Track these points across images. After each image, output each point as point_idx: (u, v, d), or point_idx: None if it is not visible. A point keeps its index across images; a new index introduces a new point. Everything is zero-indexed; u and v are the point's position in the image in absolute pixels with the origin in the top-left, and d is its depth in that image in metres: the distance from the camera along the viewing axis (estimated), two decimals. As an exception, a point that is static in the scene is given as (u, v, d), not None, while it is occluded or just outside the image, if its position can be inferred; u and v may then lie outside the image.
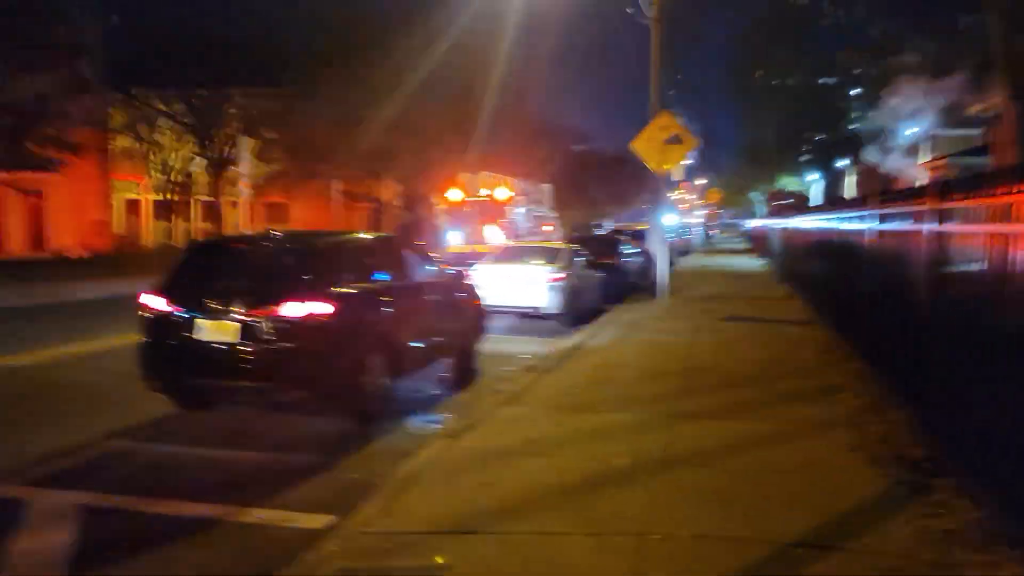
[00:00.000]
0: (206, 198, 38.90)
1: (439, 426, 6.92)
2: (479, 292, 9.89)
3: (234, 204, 34.27)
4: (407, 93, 31.35)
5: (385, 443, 6.45)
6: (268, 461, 5.96)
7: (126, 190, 36.80)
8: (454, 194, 25.35)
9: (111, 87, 29.06)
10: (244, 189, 24.55)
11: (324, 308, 6.36)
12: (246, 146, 25.02)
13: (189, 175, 39.33)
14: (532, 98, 49.34)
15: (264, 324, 6.27)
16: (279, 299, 6.31)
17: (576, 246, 15.14)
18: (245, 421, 7.00)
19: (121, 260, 26.60)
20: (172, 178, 37.51)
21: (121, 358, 8.90)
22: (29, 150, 17.39)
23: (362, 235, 8.60)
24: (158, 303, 6.52)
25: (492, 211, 26.15)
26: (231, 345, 6.30)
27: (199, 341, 6.35)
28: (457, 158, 39.70)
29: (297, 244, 7.18)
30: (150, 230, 36.08)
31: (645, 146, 15.42)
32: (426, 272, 8.56)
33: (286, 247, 7.04)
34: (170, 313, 6.47)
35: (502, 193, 24.87)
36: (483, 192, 25.50)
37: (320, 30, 28.40)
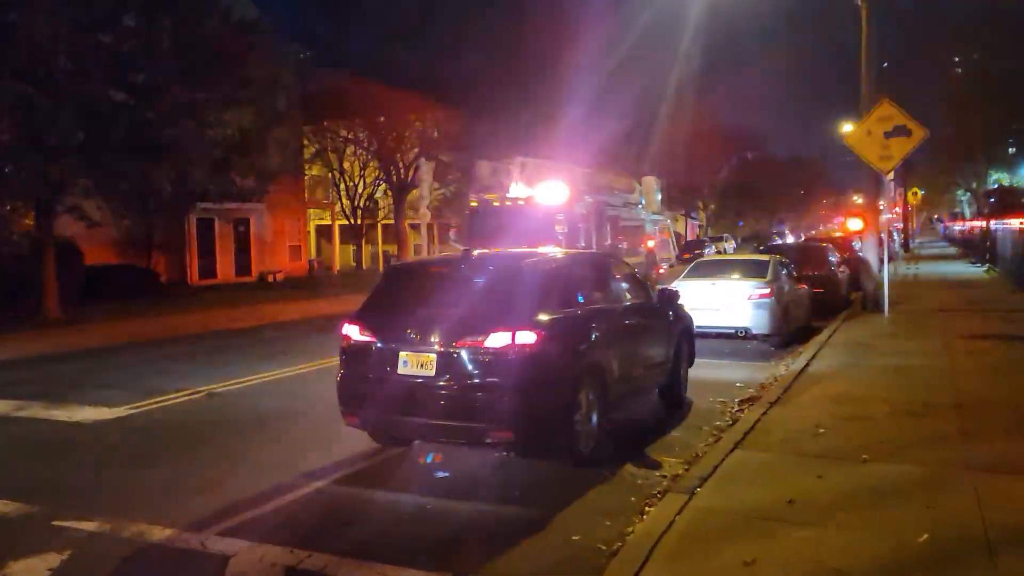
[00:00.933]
0: (388, 221, 40.73)
1: (661, 474, 5.94)
2: (688, 312, 8.80)
3: (414, 227, 35.36)
4: (581, 106, 30.87)
5: (602, 493, 5.57)
6: (477, 514, 5.27)
7: (318, 217, 39.32)
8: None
9: (304, 119, 31.11)
10: (425, 211, 24.97)
11: (531, 338, 5.61)
12: (428, 169, 25.52)
13: (374, 200, 41.42)
14: (707, 104, 47.12)
15: (465, 356, 5.64)
16: (481, 328, 5.65)
17: (779, 257, 13.53)
18: (449, 462, 6.41)
19: (315, 283, 28.15)
20: (358, 203, 39.64)
21: (317, 384, 9.39)
22: (235, 182, 18.52)
23: (566, 253, 7.83)
24: (358, 333, 6.10)
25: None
26: (430, 379, 5.73)
27: (399, 375, 5.83)
28: (631, 168, 38.71)
29: (500, 266, 6.52)
30: (338, 254, 38.14)
31: (862, 140, 13.55)
32: (633, 290, 7.63)
33: (488, 269, 6.40)
34: (369, 344, 6.02)
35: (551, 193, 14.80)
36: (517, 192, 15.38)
37: (494, 51, 28.60)
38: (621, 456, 6.36)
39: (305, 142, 33.69)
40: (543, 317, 5.83)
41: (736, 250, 53.00)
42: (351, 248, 41.71)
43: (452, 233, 17.90)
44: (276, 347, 13.38)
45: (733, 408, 8.09)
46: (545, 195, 14.76)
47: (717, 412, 8.00)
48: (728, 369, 10.48)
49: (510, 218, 14.57)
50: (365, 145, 32.87)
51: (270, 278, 28.50)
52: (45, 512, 5.24)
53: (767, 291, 11.85)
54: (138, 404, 8.61)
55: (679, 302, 8.33)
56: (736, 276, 12.27)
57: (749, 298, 11.76)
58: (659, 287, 8.75)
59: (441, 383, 5.70)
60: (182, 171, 16.63)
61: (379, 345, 5.98)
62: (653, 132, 38.93)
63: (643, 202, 21.09)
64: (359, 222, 39.73)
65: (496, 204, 15.28)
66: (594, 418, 6.24)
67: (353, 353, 6.15)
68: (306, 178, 34.88)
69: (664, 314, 8.05)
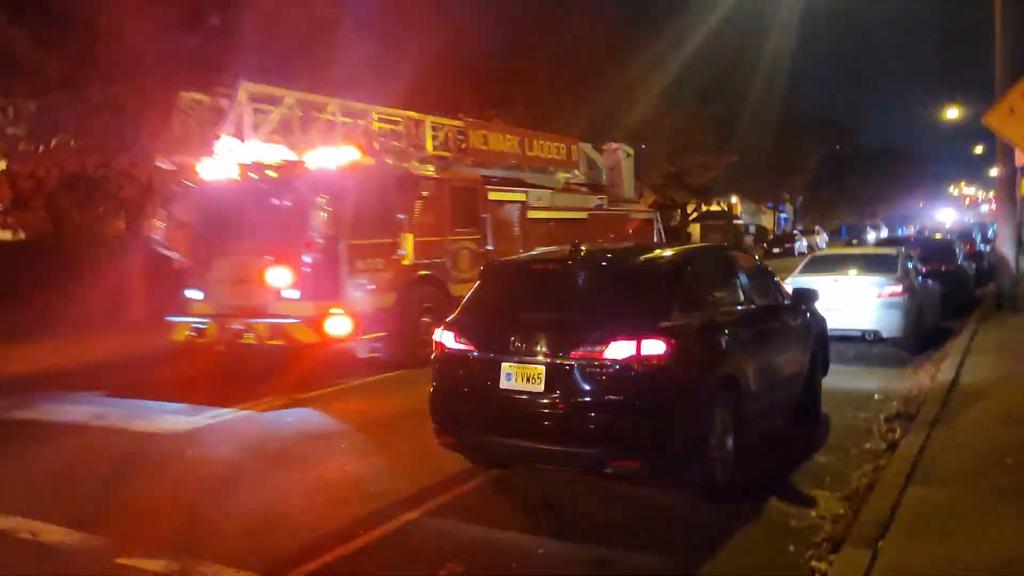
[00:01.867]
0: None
1: (817, 514, 4.90)
2: (821, 314, 7.65)
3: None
4: (654, 98, 29.56)
5: (750, 539, 4.58)
6: (604, 561, 4.37)
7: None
8: None
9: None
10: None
11: (659, 347, 4.68)
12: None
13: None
14: (793, 93, 44.66)
15: (580, 369, 4.76)
16: (598, 336, 4.76)
17: (905, 250, 12.07)
18: (553, 489, 5.53)
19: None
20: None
21: (411, 391, 8.17)
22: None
23: (690, 247, 6.83)
24: (453, 340, 5.30)
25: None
26: (538, 395, 4.87)
27: (502, 390, 5.00)
28: (713, 161, 36.99)
29: (618, 262, 5.59)
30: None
31: (1005, 119, 11.86)
32: (765, 288, 6.57)
33: (604, 266, 5.49)
34: (467, 353, 5.22)
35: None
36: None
37: (553, 53, 27.68)
38: (761, 487, 5.35)
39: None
40: (672, 322, 4.89)
41: (827, 244, 50.13)
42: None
43: (156, 234, 10.46)
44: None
45: (880, 426, 6.93)
46: (317, 159, 9.33)
47: (862, 431, 6.86)
48: (859, 378, 9.22)
49: (242, 202, 9.44)
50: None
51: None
52: (108, 546, 4.65)
53: (899, 289, 10.48)
54: (217, 412, 8.10)
55: (814, 301, 7.18)
56: (861, 272, 10.93)
57: (878, 296, 10.42)
58: (794, 284, 7.60)
59: (551, 400, 4.84)
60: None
61: (478, 355, 5.17)
62: (737, 117, 36.99)
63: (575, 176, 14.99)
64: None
65: (215, 179, 9.67)
66: (729, 441, 5.25)
67: (448, 363, 5.36)
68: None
69: (799, 315, 6.95)
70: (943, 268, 13.75)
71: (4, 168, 14.63)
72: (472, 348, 5.20)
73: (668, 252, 5.79)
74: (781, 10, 32.55)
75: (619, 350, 4.68)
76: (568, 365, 4.81)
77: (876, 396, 8.20)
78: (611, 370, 4.71)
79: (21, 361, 11.67)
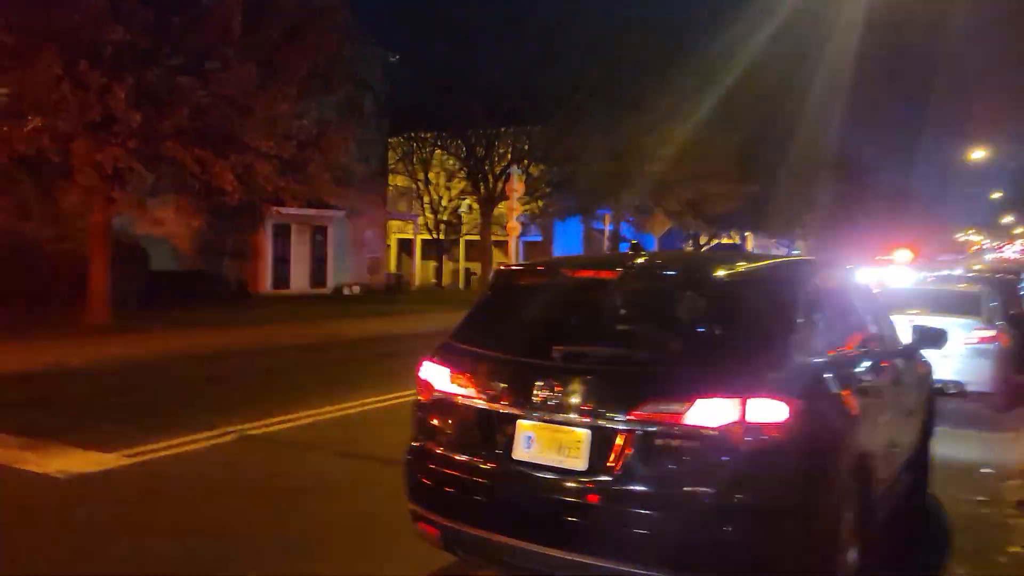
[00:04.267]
0: (472, 237, 38.68)
1: None
2: (925, 359, 5.84)
3: (497, 244, 33.16)
4: (685, 119, 28.09)
5: None
6: None
7: (399, 230, 37.61)
8: None
9: (389, 126, 29.43)
10: (515, 224, 22.56)
11: (778, 411, 2.90)
12: (517, 182, 23.13)
13: (458, 215, 39.49)
14: (815, 128, 43.22)
15: (645, 439, 2.99)
16: (678, 389, 3.00)
17: (987, 287, 10.29)
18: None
19: (394, 298, 26.12)
20: (441, 217, 37.76)
21: (387, 430, 6.24)
22: (309, 183, 16.49)
23: (794, 259, 5.00)
24: (447, 381, 3.52)
25: None
26: (577, 477, 3.10)
27: (517, 461, 3.22)
28: (741, 190, 35.31)
29: (702, 276, 3.66)
30: (418, 269, 36.25)
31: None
32: (881, 324, 4.75)
33: (681, 281, 3.61)
34: (466, 403, 3.43)
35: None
36: None
37: (591, 61, 26.35)
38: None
39: (389, 151, 32.06)
40: (792, 372, 3.10)
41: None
42: (431, 264, 39.84)
43: None
44: (341, 372, 11.06)
45: (1015, 516, 5.15)
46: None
47: (992, 524, 5.07)
48: (951, 443, 7.40)
49: None
50: (454, 152, 30.93)
51: (346, 291, 26.64)
52: None
53: (991, 334, 8.70)
54: (141, 449, 6.29)
55: (941, 345, 5.33)
56: (942, 312, 9.13)
57: (966, 343, 8.63)
58: (912, 322, 5.76)
59: (597, 485, 3.07)
60: (248, 166, 14.67)
61: (482, 405, 3.39)
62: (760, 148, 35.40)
63: None
64: (441, 237, 37.85)
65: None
66: (852, 556, 3.45)
67: (435, 413, 3.58)
68: (389, 188, 33.15)
69: (920, 363, 5.17)
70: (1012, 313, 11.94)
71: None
72: (475, 394, 3.41)
73: (771, 263, 3.99)
74: (810, 43, 31.06)
75: (710, 413, 2.91)
76: (625, 431, 3.03)
77: (984, 470, 6.43)
78: (696, 444, 2.94)
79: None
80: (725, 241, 51.86)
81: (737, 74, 28.19)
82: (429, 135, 32.68)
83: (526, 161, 28.07)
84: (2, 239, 15.64)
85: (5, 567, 4.15)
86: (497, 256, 34.56)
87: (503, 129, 28.94)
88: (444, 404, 3.52)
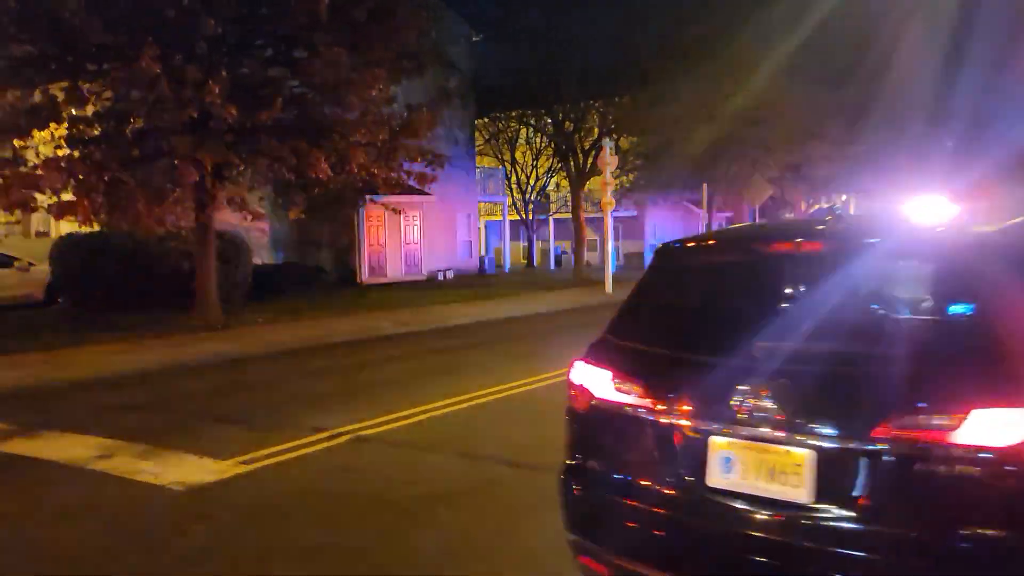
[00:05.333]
0: (562, 216, 37.94)
1: None
2: None
3: (588, 221, 32.34)
4: (784, 78, 26.31)
5: None
6: None
7: (486, 211, 37.30)
8: None
9: (475, 107, 28.98)
10: (610, 199, 21.70)
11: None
12: (608, 156, 22.21)
13: (546, 193, 38.82)
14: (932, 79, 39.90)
15: (896, 464, 2.29)
16: (939, 396, 2.26)
17: None
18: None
19: (488, 281, 25.78)
20: (529, 197, 37.20)
21: (505, 421, 5.71)
22: (402, 168, 16.17)
23: None
24: (611, 388, 2.89)
25: None
26: (799, 512, 2.42)
27: (715, 491, 2.57)
28: (845, 151, 33.06)
29: (928, 248, 2.81)
30: (508, 250, 35.85)
31: None
32: None
33: (901, 255, 2.78)
34: (638, 412, 2.79)
35: None
36: None
37: (682, 23, 24.96)
38: None
39: (476, 132, 31.66)
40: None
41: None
42: (520, 245, 39.42)
43: None
44: (447, 362, 10.65)
45: None
46: None
47: None
48: None
49: None
50: (542, 129, 30.24)
51: (440, 276, 26.49)
52: None
53: None
54: (255, 455, 6.00)
55: None
56: None
57: None
58: None
59: (829, 523, 2.37)
60: (344, 155, 14.46)
61: (662, 420, 2.73)
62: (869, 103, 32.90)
63: None
64: (530, 216, 37.33)
65: None
66: None
67: (597, 427, 2.96)
68: (477, 170, 32.82)
69: None
70: None
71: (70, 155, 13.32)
72: (649, 403, 2.76)
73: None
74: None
75: (993, 428, 2.16)
76: (865, 453, 2.32)
77: None
78: (972, 469, 2.19)
79: (50, 365, 10.09)
80: (824, 206, 49.05)
81: (839, 27, 26.19)
82: (515, 113, 32.11)
83: (614, 135, 27.08)
84: (111, 241, 16.07)
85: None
86: (586, 234, 33.72)
87: (592, 102, 28.02)
88: (608, 415, 2.89)
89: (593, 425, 2.96)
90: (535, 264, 37.59)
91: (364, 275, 24.55)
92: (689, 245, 3.30)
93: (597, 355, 3.01)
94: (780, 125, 28.29)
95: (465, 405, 7.65)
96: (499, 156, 35.66)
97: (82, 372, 9.95)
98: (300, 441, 6.39)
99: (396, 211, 23.61)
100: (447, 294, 20.60)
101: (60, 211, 14.09)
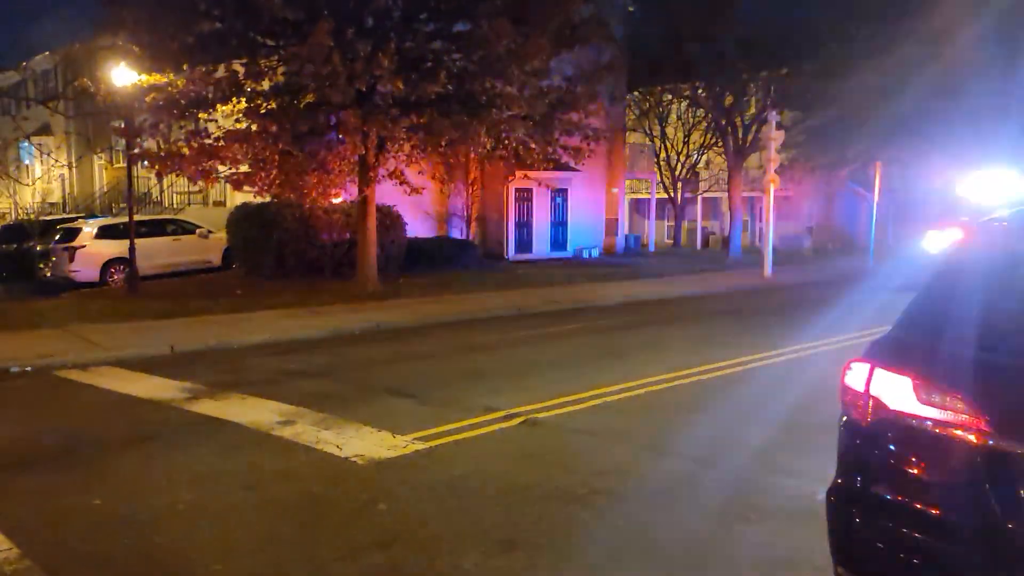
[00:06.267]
0: (713, 195, 36.32)
1: None
2: None
3: (744, 199, 30.68)
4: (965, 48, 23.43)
5: None
6: None
7: (631, 190, 36.33)
8: None
9: (627, 81, 28.06)
10: (774, 176, 20.30)
11: None
12: (775, 130, 20.74)
13: (695, 171, 37.26)
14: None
15: None
16: None
17: None
18: None
19: (633, 261, 25.09)
20: (679, 174, 35.81)
21: (688, 407, 5.11)
22: (561, 145, 15.81)
23: None
24: (912, 397, 2.36)
25: None
26: None
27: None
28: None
29: None
30: (652, 230, 34.76)
31: None
32: None
33: None
34: (955, 433, 2.24)
35: None
36: None
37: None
38: None
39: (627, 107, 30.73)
40: None
41: None
42: (665, 224, 38.15)
43: None
44: (614, 342, 10.23)
45: None
46: None
47: None
48: None
49: None
50: (699, 103, 28.88)
51: (585, 254, 26.06)
52: None
53: None
54: (429, 432, 5.88)
55: None
56: None
57: None
58: None
59: None
60: (504, 129, 14.30)
61: (992, 444, 2.17)
62: None
63: None
64: (678, 195, 35.99)
65: None
66: None
67: (891, 445, 2.43)
68: (625, 147, 31.91)
69: None
70: None
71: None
72: (978, 422, 2.20)
73: None
74: None
75: None
76: None
77: None
78: None
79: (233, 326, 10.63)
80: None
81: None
82: (668, 87, 30.88)
83: (778, 109, 25.32)
84: (281, 211, 16.87)
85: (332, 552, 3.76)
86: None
87: (756, 73, 26.36)
88: (908, 432, 2.36)
89: (884, 443, 2.44)
90: (680, 244, 36.27)
91: (510, 251, 24.56)
92: (1010, 226, 2.66)
93: (888, 357, 2.48)
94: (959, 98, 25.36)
95: (641, 391, 7.21)
96: (649, 132, 34.54)
97: (258, 336, 10.42)
98: (473, 420, 6.23)
99: (548, 186, 23.34)
100: (595, 272, 20.15)
101: (237, 182, 14.90)
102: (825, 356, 8.61)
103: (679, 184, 36.15)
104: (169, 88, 13.91)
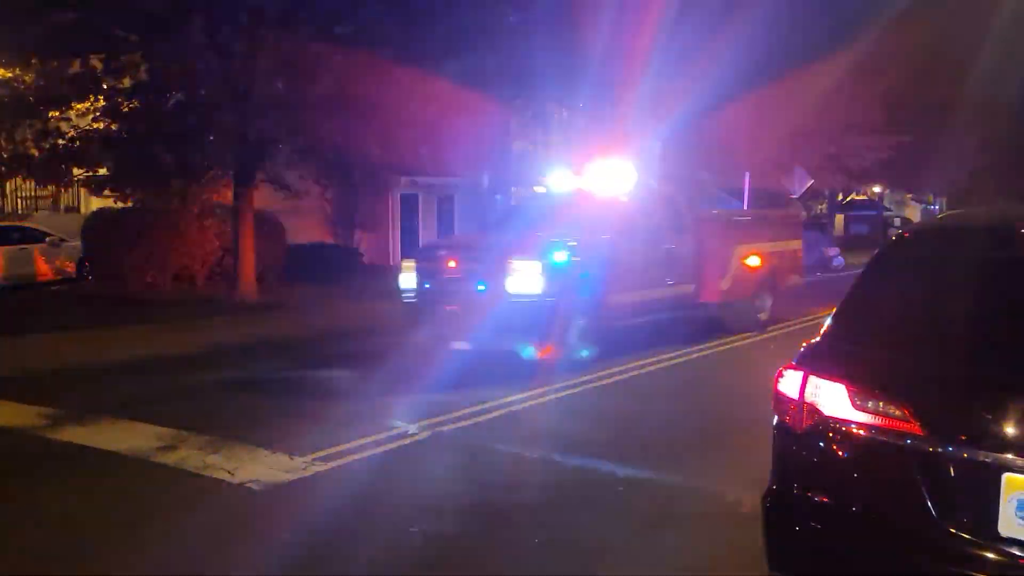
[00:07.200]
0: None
1: None
2: None
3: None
4: (828, 65, 25.48)
5: None
6: None
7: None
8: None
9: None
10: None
11: None
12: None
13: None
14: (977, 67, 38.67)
15: None
16: None
17: None
18: None
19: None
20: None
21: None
22: (448, 149, 15.70)
23: None
24: (847, 402, 2.39)
25: None
26: None
27: (1005, 541, 2.07)
28: (888, 141, 32.10)
29: None
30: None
31: None
32: None
33: None
34: (889, 439, 2.29)
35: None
36: None
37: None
38: None
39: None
40: None
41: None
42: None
43: None
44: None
45: None
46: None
47: None
48: None
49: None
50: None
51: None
52: None
53: None
54: (328, 452, 5.55)
55: None
56: None
57: None
58: None
59: None
60: (391, 134, 13.98)
61: (929, 448, 2.23)
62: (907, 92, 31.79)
63: None
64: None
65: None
66: None
67: (830, 453, 2.45)
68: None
69: None
70: None
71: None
72: (914, 427, 2.25)
73: None
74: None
75: None
76: None
77: None
78: None
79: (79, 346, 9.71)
80: (859, 198, 47.63)
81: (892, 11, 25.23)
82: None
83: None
84: (146, 218, 15.69)
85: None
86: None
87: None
88: (843, 438, 2.40)
89: (819, 449, 2.46)
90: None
91: (396, 259, 24.12)
92: (946, 229, 2.77)
93: (821, 363, 2.51)
94: (820, 114, 27.45)
95: (532, 403, 7.18)
96: (532, 141, 35.09)
97: (124, 353, 9.57)
98: (373, 438, 5.93)
99: (431, 194, 23.10)
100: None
101: (97, 187, 13.74)
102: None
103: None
104: (14, 83, 12.64)
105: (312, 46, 13.50)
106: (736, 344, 10.22)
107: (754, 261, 10.67)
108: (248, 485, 4.92)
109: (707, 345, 9.96)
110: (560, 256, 8.19)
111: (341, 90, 13.53)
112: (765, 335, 10.80)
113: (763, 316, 11.17)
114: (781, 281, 11.56)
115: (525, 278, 7.97)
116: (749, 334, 10.64)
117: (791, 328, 11.27)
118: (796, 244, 12.17)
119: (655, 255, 9.29)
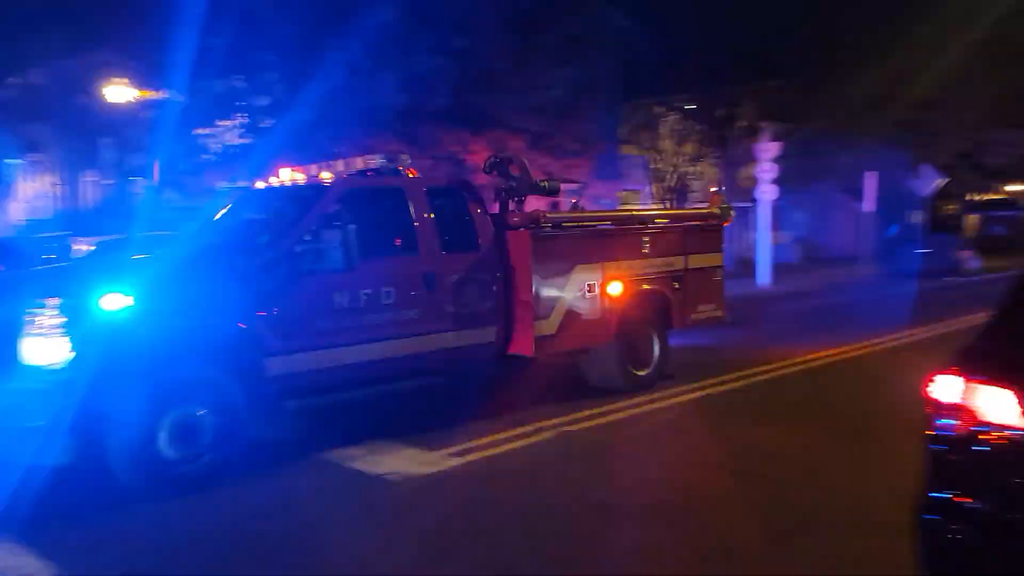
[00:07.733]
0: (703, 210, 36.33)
1: None
2: None
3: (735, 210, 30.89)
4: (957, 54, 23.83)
5: None
6: None
7: (625, 202, 36.46)
8: None
9: (622, 93, 28.30)
10: (768, 189, 20.48)
11: None
12: (767, 142, 20.98)
13: (685, 184, 37.47)
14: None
15: None
16: None
17: None
18: None
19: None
20: (670, 185, 36.02)
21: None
22: (550, 156, 15.91)
23: None
24: (1013, 409, 2.37)
25: None
26: None
27: None
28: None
29: None
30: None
31: None
32: None
33: None
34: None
35: None
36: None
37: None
38: None
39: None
40: None
41: None
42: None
43: None
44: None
45: None
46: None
47: None
48: None
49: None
50: (692, 115, 29.24)
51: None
52: None
53: None
54: (462, 447, 5.84)
55: None
56: None
57: None
58: None
59: None
60: (503, 142, 14.36)
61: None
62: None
63: None
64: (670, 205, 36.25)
65: None
66: None
67: (990, 459, 2.44)
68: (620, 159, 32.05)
69: None
70: None
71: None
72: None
73: None
74: None
75: None
76: None
77: None
78: None
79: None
80: (994, 196, 44.28)
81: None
82: (661, 99, 31.18)
83: (769, 121, 25.64)
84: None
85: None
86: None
87: (748, 86, 26.86)
88: (1012, 447, 2.37)
89: (984, 457, 2.44)
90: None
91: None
92: None
93: (982, 368, 2.49)
94: (950, 109, 25.78)
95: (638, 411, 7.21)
96: (640, 143, 34.80)
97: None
98: (505, 434, 6.16)
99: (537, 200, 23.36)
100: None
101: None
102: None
103: (671, 195, 36.37)
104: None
105: (432, 60, 14.10)
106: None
107: (615, 288, 7.21)
108: (386, 477, 5.27)
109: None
110: (114, 298, 4.81)
111: (457, 102, 14.04)
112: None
113: (642, 372, 7.51)
114: (679, 316, 7.76)
115: (43, 338, 4.68)
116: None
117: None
118: (711, 259, 8.12)
119: (400, 283, 5.96)
